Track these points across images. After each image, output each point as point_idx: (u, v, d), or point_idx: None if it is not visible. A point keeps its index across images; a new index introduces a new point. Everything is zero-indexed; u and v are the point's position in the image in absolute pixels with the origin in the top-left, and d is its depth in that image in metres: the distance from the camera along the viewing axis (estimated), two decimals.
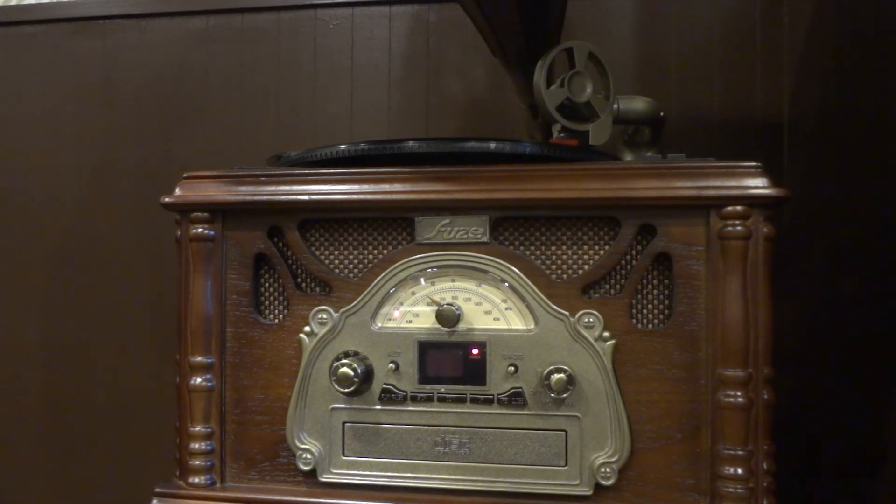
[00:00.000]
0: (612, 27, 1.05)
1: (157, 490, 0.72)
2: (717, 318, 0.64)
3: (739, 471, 0.63)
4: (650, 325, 0.67)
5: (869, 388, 0.96)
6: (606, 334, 0.66)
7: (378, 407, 0.69)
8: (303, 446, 0.70)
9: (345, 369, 0.67)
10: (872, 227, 0.96)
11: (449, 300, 0.68)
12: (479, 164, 0.68)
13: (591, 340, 0.66)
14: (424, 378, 0.68)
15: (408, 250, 0.69)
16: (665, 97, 0.99)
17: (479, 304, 0.68)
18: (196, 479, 0.71)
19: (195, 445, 0.71)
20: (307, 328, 0.70)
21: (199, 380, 0.72)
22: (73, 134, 1.20)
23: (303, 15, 1.14)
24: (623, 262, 0.67)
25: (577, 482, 0.66)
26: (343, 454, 0.70)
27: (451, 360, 0.68)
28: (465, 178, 0.68)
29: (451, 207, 0.68)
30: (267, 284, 0.73)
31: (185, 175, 0.73)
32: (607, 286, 0.68)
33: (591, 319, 0.66)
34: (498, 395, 0.67)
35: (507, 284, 0.68)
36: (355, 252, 0.71)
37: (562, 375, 0.65)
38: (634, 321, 0.67)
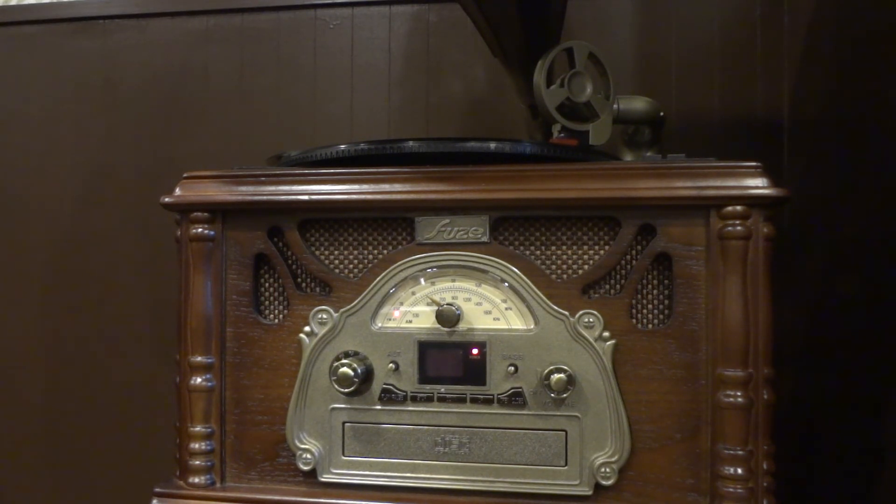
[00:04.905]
0: (612, 27, 1.05)
1: (157, 490, 0.72)
2: (716, 318, 0.64)
3: (739, 471, 0.63)
4: (650, 325, 0.67)
5: (869, 388, 0.96)
6: (606, 334, 0.66)
7: (378, 407, 0.69)
8: (303, 446, 0.70)
9: (345, 369, 0.67)
10: (872, 227, 0.96)
11: (449, 300, 0.68)
12: (479, 164, 0.68)
13: (591, 340, 0.66)
14: (424, 378, 0.68)
15: (408, 250, 0.69)
16: (665, 97, 0.99)
17: (479, 304, 0.68)
18: (196, 479, 0.71)
19: (195, 445, 0.71)
20: (307, 328, 0.70)
21: (199, 380, 0.72)
22: (73, 134, 1.19)
23: (303, 15, 1.14)
24: (623, 262, 0.67)
25: (577, 482, 0.66)
26: (343, 454, 0.70)
27: (451, 360, 0.68)
28: (465, 178, 0.68)
29: (451, 207, 0.68)
30: (267, 284, 0.73)
31: (185, 175, 0.73)
32: (607, 286, 0.68)
33: (591, 319, 0.66)
34: (498, 395, 0.67)
35: (507, 284, 0.68)
36: (355, 252, 0.71)
37: (562, 375, 0.65)
38: (634, 321, 0.67)
